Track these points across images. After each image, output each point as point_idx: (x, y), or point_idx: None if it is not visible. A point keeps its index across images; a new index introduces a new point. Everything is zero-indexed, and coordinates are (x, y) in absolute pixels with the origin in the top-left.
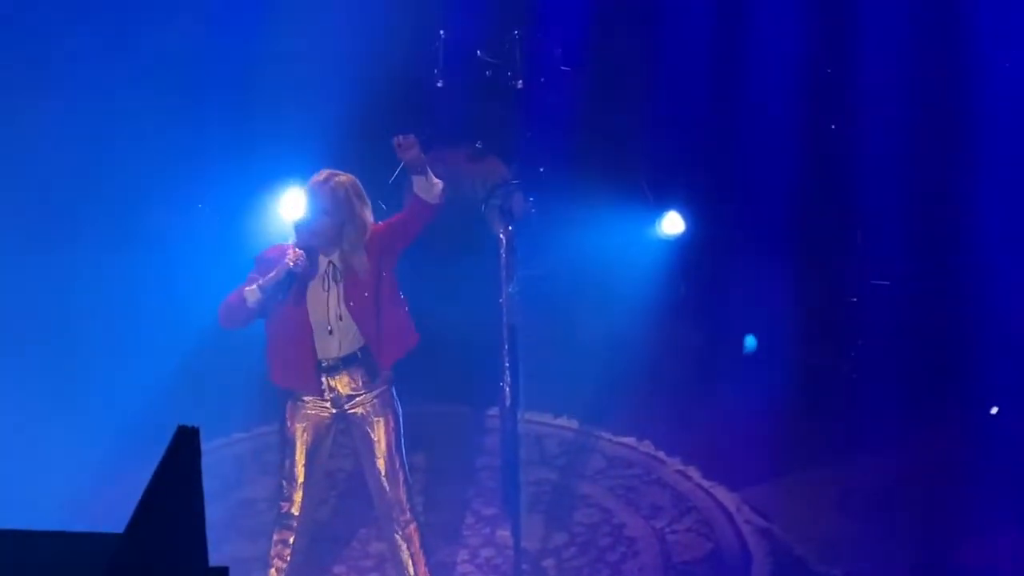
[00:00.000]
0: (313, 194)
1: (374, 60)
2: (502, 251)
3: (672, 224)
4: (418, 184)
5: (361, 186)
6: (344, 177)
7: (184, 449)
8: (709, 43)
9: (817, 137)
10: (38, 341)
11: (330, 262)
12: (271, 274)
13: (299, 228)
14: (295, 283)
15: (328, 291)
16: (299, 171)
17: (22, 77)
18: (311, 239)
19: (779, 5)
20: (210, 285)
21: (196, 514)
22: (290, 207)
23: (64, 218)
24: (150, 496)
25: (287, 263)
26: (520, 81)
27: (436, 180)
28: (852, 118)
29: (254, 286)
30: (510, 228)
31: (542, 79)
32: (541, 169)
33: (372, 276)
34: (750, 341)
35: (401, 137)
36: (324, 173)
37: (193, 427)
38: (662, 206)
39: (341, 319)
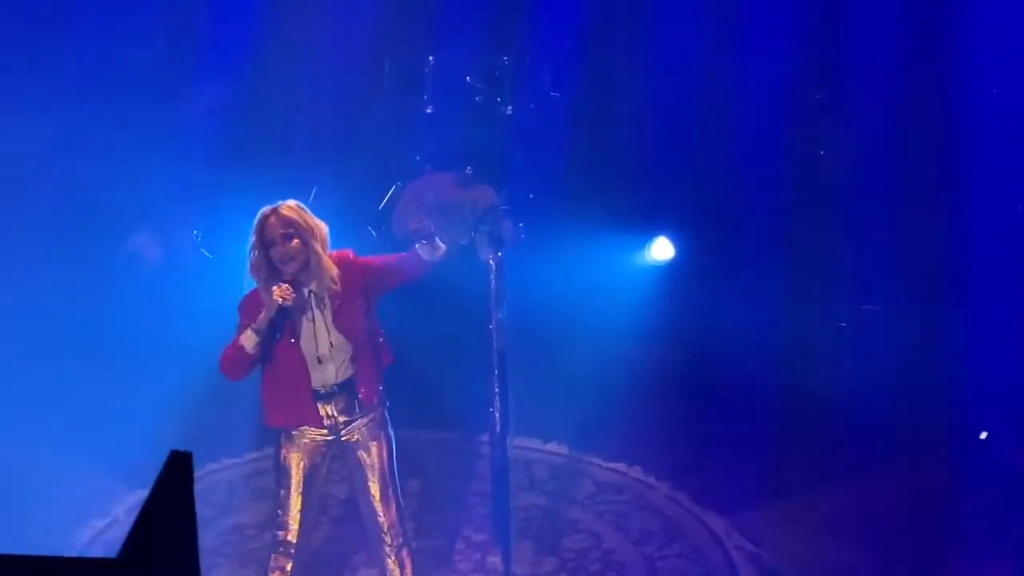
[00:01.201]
0: (267, 229)
1: (364, 86)
2: (491, 277)
3: (661, 250)
4: (423, 250)
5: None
6: (287, 202)
7: (177, 474)
8: (698, 69)
9: (805, 163)
10: (29, 363)
11: (309, 291)
12: (262, 316)
13: (261, 267)
14: (287, 318)
15: (314, 320)
16: (291, 196)
17: (34, 93)
18: (286, 268)
19: (767, 32)
20: (201, 309)
21: (189, 539)
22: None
23: (58, 245)
24: (143, 521)
25: (276, 300)
26: (509, 107)
27: (440, 245)
28: (840, 144)
29: (248, 331)
30: (499, 254)
31: (532, 105)
32: (531, 195)
33: (357, 300)
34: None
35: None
36: (266, 210)
37: (185, 452)
38: (652, 231)
39: (332, 345)
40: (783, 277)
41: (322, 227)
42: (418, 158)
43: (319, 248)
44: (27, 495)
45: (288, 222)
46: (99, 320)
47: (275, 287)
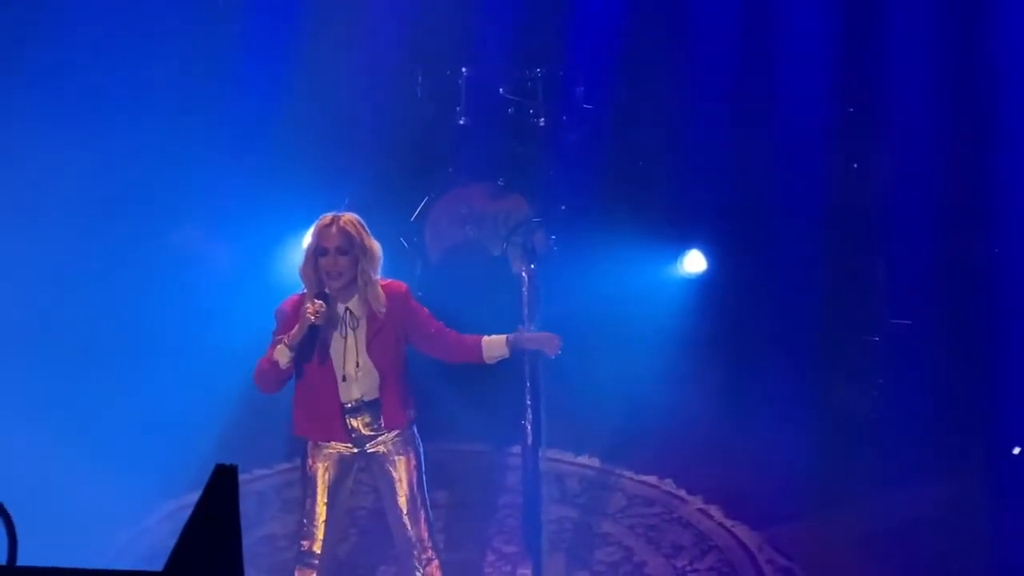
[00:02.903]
0: (324, 237)
1: (398, 98)
2: (524, 289)
3: (694, 262)
4: (491, 348)
5: (361, 218)
6: (347, 215)
7: (222, 487)
8: (731, 81)
9: (839, 176)
10: (61, 374)
11: (347, 308)
12: (294, 331)
13: (309, 273)
14: (319, 334)
15: (345, 338)
16: (320, 209)
17: (68, 100)
18: (331, 282)
19: (801, 44)
20: (233, 320)
21: (233, 552)
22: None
23: (90, 249)
24: (189, 534)
25: (309, 317)
26: (543, 119)
27: (507, 352)
28: (875, 157)
29: (282, 346)
30: (532, 266)
31: (564, 117)
32: (563, 207)
33: (393, 333)
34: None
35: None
36: (327, 217)
37: (231, 465)
38: (684, 244)
39: (359, 366)
40: (815, 291)
41: (377, 249)
42: (451, 170)
43: (369, 269)
44: (59, 503)
45: (345, 236)
46: (132, 329)
47: (308, 303)
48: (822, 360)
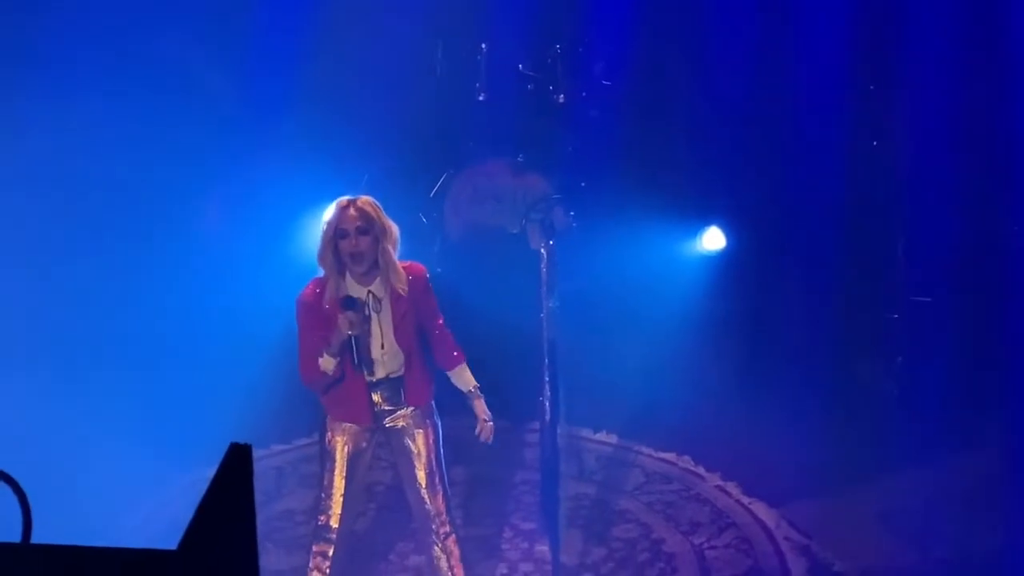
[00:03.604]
0: (343, 219)
1: (416, 74)
2: (543, 265)
3: (713, 240)
4: (457, 378)
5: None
6: (364, 197)
7: (237, 466)
8: (751, 57)
9: (859, 153)
10: (81, 350)
11: (369, 292)
12: (333, 343)
13: (328, 257)
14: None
15: (371, 321)
16: (341, 184)
17: (67, 85)
18: (353, 265)
19: (822, 22)
20: (252, 297)
21: (248, 531)
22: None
23: (110, 226)
24: (203, 512)
25: (344, 332)
26: (562, 95)
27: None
28: (895, 134)
29: (326, 357)
30: (551, 242)
31: (584, 93)
32: (582, 183)
33: (413, 311)
34: None
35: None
36: (343, 200)
37: (245, 444)
38: (704, 221)
39: (384, 348)
40: (835, 268)
41: (395, 228)
42: (470, 146)
43: (389, 248)
44: (78, 479)
45: (364, 216)
46: (152, 306)
47: (342, 316)
48: (841, 337)
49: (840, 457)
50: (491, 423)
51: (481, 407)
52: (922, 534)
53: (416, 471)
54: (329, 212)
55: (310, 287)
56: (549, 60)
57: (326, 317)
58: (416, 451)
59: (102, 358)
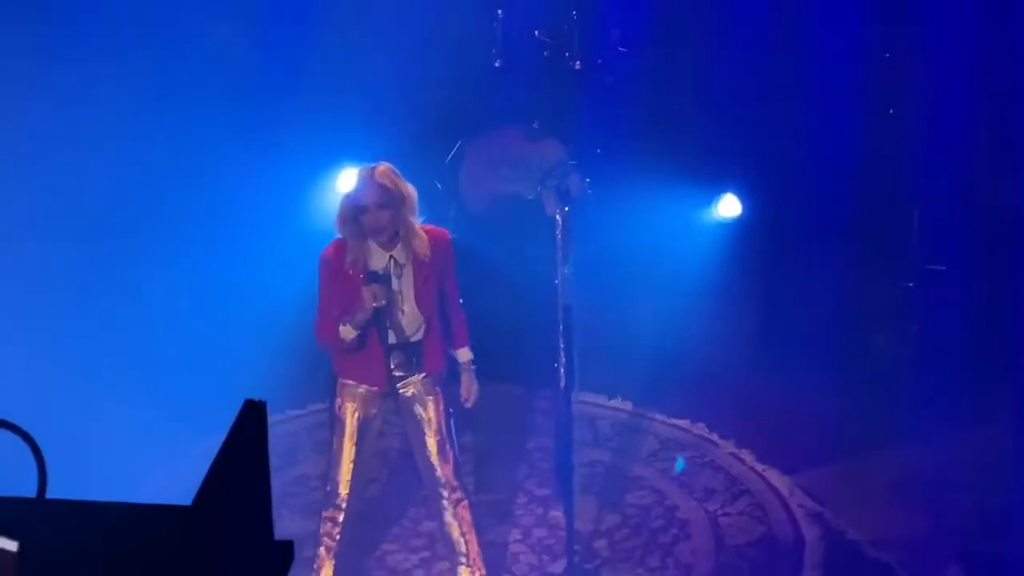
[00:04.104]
0: (363, 194)
1: (432, 40)
2: (558, 232)
3: (729, 206)
4: (462, 353)
5: (391, 165)
6: (381, 167)
7: (251, 423)
8: (767, 23)
9: (875, 119)
10: (96, 317)
11: (390, 256)
12: (358, 315)
13: (350, 226)
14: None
15: (391, 287)
16: (356, 151)
17: (94, 75)
18: (375, 236)
19: None
20: (267, 263)
21: (263, 487)
22: (348, 187)
23: (123, 198)
24: (218, 469)
25: (370, 306)
26: (578, 62)
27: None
28: (910, 102)
29: (347, 326)
30: (566, 209)
31: (599, 60)
32: (598, 150)
33: (434, 276)
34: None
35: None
36: (363, 170)
37: (260, 401)
38: (719, 188)
39: (404, 313)
40: (850, 235)
41: (413, 194)
42: (486, 112)
43: (409, 216)
44: (91, 447)
45: (383, 190)
46: (163, 272)
47: (366, 290)
48: (856, 305)
49: (854, 425)
50: (474, 396)
51: (468, 380)
52: (935, 502)
53: (426, 437)
54: (349, 184)
55: (332, 247)
56: (565, 27)
57: (347, 280)
58: (426, 418)
59: (115, 324)
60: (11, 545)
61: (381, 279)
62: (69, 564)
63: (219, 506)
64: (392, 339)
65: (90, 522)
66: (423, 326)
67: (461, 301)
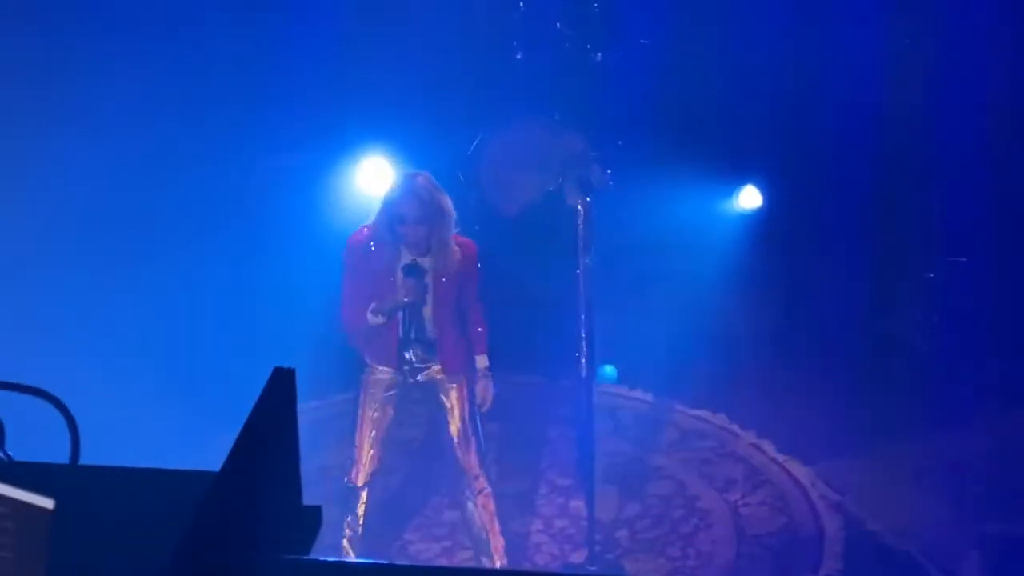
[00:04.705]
0: (402, 206)
1: (454, 32)
2: (579, 223)
3: (749, 198)
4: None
5: (433, 179)
6: (420, 178)
7: (280, 390)
8: (788, 14)
9: (896, 110)
10: (120, 316)
11: (414, 260)
12: (388, 305)
13: (386, 233)
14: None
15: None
16: (378, 141)
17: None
18: (409, 248)
19: None
20: (292, 255)
21: (292, 453)
22: (369, 178)
23: (148, 192)
24: (247, 435)
25: (402, 299)
26: (599, 54)
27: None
28: (931, 92)
29: (377, 316)
30: (587, 200)
31: (621, 51)
32: (619, 142)
33: (455, 284)
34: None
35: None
36: (400, 184)
37: (289, 368)
38: (740, 179)
39: (424, 313)
40: (870, 227)
41: (452, 213)
42: (508, 103)
43: (443, 232)
44: (123, 438)
45: (422, 205)
46: (184, 266)
47: (404, 283)
48: (876, 296)
49: (874, 416)
50: (490, 401)
51: (485, 386)
52: (955, 491)
53: (450, 427)
54: (391, 192)
55: (362, 235)
56: (587, 18)
57: (374, 272)
58: (450, 406)
59: (141, 317)
60: (47, 503)
61: (417, 273)
62: (101, 526)
63: (248, 471)
64: (412, 333)
65: (121, 487)
66: (437, 330)
67: (482, 309)
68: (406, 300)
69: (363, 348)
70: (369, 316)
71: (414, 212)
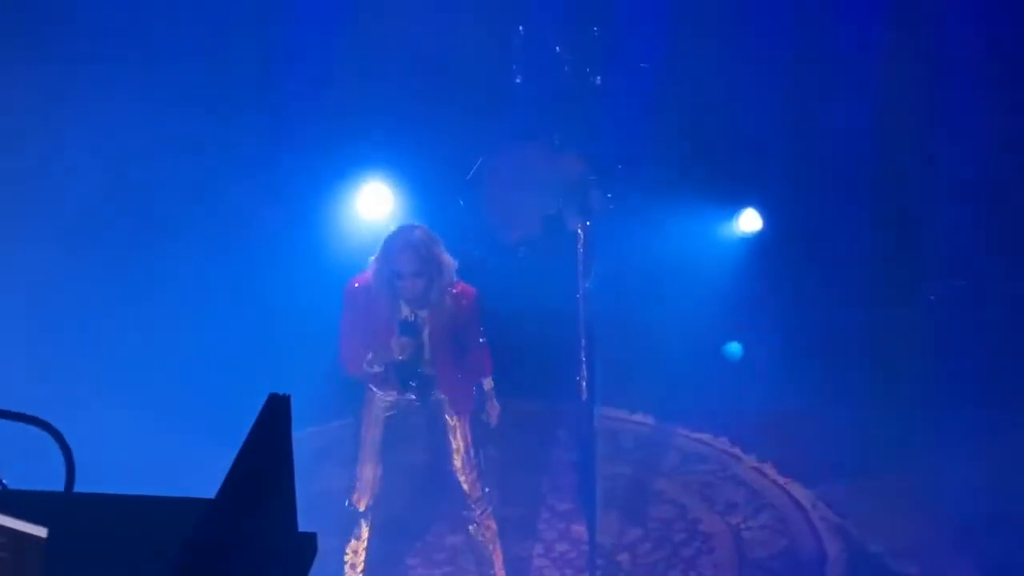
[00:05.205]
0: (400, 261)
1: (453, 56)
2: (579, 247)
3: (750, 221)
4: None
5: (432, 231)
6: (418, 231)
7: (275, 416)
8: (788, 39)
9: (895, 134)
10: (116, 340)
11: (411, 314)
12: (385, 360)
13: (384, 287)
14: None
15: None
16: (378, 167)
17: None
18: (407, 301)
19: (858, 8)
20: (292, 281)
21: (286, 479)
22: (369, 203)
23: (138, 215)
24: (242, 461)
25: (397, 356)
26: (598, 78)
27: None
28: (932, 114)
29: (374, 367)
30: (588, 224)
31: (621, 75)
32: (619, 166)
33: (452, 330)
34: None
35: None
36: (398, 237)
37: (284, 395)
38: (740, 203)
39: (424, 359)
40: (871, 249)
41: (450, 265)
42: (507, 128)
43: (442, 285)
44: (119, 464)
45: (420, 259)
46: (179, 291)
47: (398, 341)
48: (876, 319)
49: (875, 438)
50: (496, 417)
51: (492, 404)
52: (956, 514)
53: (452, 452)
54: (387, 245)
55: (359, 281)
56: (586, 42)
57: (372, 320)
58: (451, 428)
59: (134, 345)
60: (40, 531)
61: (413, 331)
62: (95, 554)
63: (243, 498)
64: (413, 379)
65: (116, 514)
66: (439, 371)
67: (482, 340)
68: (400, 358)
69: (362, 380)
70: (365, 366)
71: (412, 266)
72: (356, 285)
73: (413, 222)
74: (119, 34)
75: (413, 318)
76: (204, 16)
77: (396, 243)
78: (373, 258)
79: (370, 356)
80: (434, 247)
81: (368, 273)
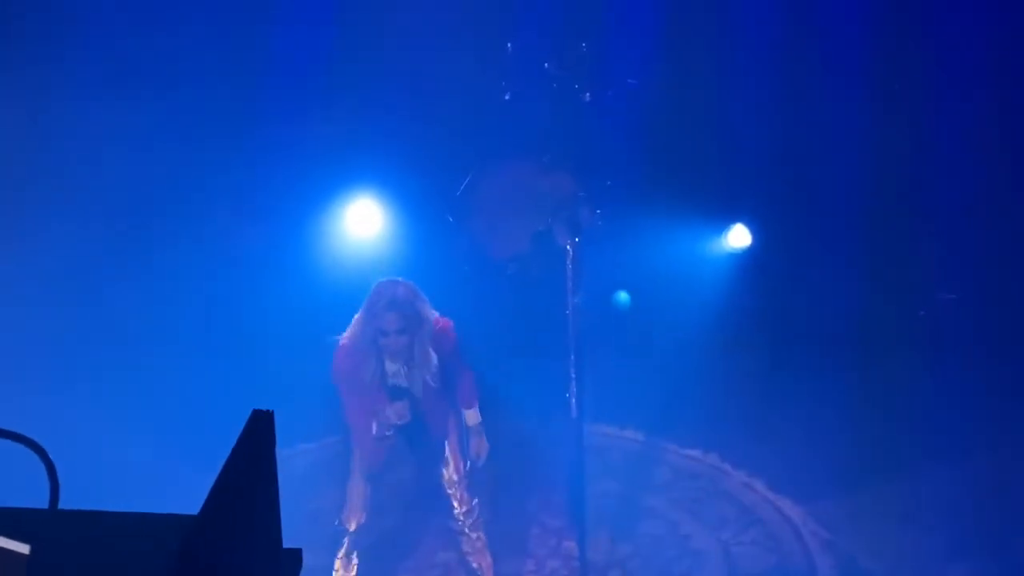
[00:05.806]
0: (384, 320)
1: (441, 73)
2: (569, 263)
3: (739, 237)
4: (472, 416)
5: (416, 287)
6: (402, 288)
7: (259, 432)
8: (777, 53)
9: (886, 149)
10: (104, 351)
11: (395, 381)
12: (386, 426)
13: (367, 346)
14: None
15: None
16: (367, 184)
17: (131, 83)
18: (391, 358)
19: (847, 18)
20: (281, 298)
21: (271, 496)
22: (358, 220)
23: (130, 225)
24: (225, 478)
25: (394, 422)
26: (587, 94)
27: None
28: (923, 132)
29: (383, 437)
30: (577, 240)
31: (609, 92)
32: (608, 182)
33: (439, 382)
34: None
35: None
36: (382, 295)
37: (267, 411)
38: (729, 218)
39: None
40: (861, 265)
41: (429, 317)
42: (496, 144)
43: (424, 340)
44: (102, 481)
45: (403, 318)
46: (173, 305)
47: (392, 408)
48: (867, 334)
49: (865, 454)
50: (484, 456)
51: (478, 443)
52: (948, 532)
53: (442, 469)
54: (372, 301)
55: (341, 355)
56: (575, 58)
57: (364, 387)
58: (442, 450)
59: (124, 358)
60: (22, 548)
61: (405, 396)
62: (80, 572)
63: (227, 515)
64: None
65: (99, 530)
66: (430, 413)
67: (472, 376)
68: (400, 423)
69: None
70: (375, 437)
71: (396, 324)
72: (340, 358)
73: (396, 277)
74: (105, 49)
75: (398, 380)
76: (192, 33)
77: (381, 301)
78: (357, 316)
79: (375, 427)
80: (417, 303)
81: (348, 341)
